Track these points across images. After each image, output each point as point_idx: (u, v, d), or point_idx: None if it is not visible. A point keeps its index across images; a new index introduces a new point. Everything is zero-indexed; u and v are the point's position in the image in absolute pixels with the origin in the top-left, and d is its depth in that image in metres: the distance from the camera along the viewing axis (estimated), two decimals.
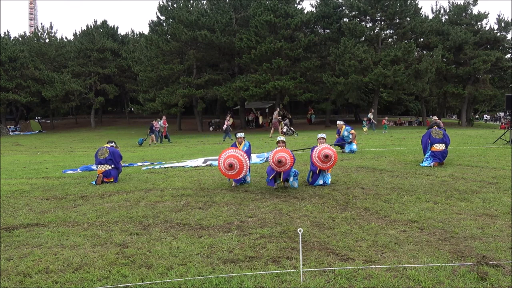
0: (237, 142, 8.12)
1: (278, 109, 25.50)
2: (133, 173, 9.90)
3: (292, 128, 24.67)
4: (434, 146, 9.10)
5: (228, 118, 25.70)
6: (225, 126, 23.65)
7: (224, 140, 21.74)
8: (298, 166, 9.57)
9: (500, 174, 7.86)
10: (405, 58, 29.56)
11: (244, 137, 8.33)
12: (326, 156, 7.26)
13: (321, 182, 7.36)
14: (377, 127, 28.20)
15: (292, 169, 7.11)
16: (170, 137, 24.96)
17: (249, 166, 8.10)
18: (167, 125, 24.75)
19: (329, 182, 7.43)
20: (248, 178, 7.91)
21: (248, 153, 7.95)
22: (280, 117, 24.81)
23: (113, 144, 9.16)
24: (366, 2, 31.40)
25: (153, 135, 23.17)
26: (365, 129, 25.85)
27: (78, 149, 21.63)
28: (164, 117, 24.95)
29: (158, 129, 23.81)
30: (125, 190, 7.56)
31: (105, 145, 9.01)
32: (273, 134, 23.15)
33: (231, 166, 7.25)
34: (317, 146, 7.65)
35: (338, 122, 13.14)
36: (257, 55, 30.53)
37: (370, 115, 27.65)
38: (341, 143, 12.52)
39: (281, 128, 23.75)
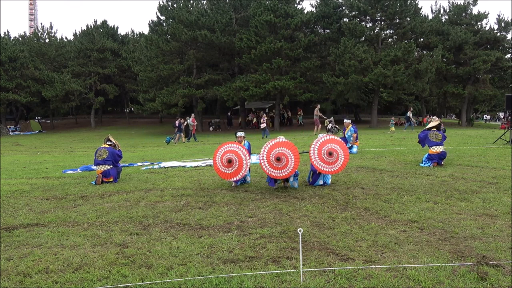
0: (236, 141, 8.00)
1: (319, 105, 25.22)
2: (133, 173, 9.90)
3: (336, 126, 24.53)
4: (431, 149, 9.09)
5: (265, 115, 26.00)
6: (263, 125, 23.98)
7: (265, 137, 22.05)
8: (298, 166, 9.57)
9: (500, 174, 7.86)
10: (405, 58, 29.53)
11: (244, 137, 8.27)
12: (330, 154, 6.97)
13: (321, 182, 7.34)
14: (415, 126, 27.82)
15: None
16: (190, 137, 24.93)
17: (249, 167, 8.08)
18: (195, 123, 24.85)
19: (329, 182, 7.41)
20: (248, 178, 7.90)
21: (249, 153, 7.90)
22: (321, 114, 24.57)
23: (110, 143, 9.06)
24: (366, 2, 31.37)
25: (181, 134, 23.24)
26: (392, 128, 25.48)
27: (78, 149, 21.62)
28: (193, 115, 25.14)
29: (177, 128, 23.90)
30: (125, 190, 7.56)
31: (103, 145, 8.93)
32: (316, 131, 23.45)
33: (230, 162, 7.16)
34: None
35: (345, 120, 12.80)
36: (257, 55, 30.51)
37: (409, 114, 27.01)
38: None
39: (319, 126, 23.52)
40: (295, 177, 7.13)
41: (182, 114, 38.11)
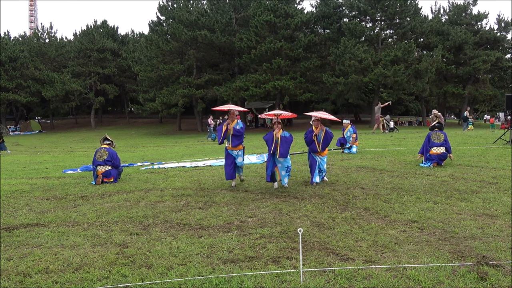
0: (229, 119, 7.46)
1: (380, 103, 24.91)
2: (133, 173, 9.89)
3: (395, 126, 24.42)
4: (432, 149, 9.06)
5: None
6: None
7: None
8: (298, 166, 9.59)
9: (500, 174, 7.85)
10: (405, 58, 29.54)
11: (238, 115, 7.72)
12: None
13: (318, 176, 7.38)
14: (481, 126, 27.11)
15: (286, 164, 7.10)
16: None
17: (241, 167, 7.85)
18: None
19: (325, 168, 7.52)
20: (240, 159, 7.59)
21: (242, 132, 7.48)
22: (380, 113, 24.45)
23: (109, 142, 9.02)
24: (366, 2, 31.40)
25: None
26: (471, 127, 24.82)
27: (78, 149, 21.63)
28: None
29: (212, 125, 23.83)
30: (125, 190, 7.55)
31: (102, 146, 8.89)
32: (376, 130, 23.28)
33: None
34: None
35: (344, 121, 13.11)
36: (257, 55, 30.53)
37: (466, 113, 26.22)
38: (341, 142, 12.55)
39: (379, 124, 23.26)
40: (287, 172, 7.15)
41: (182, 114, 38.18)
